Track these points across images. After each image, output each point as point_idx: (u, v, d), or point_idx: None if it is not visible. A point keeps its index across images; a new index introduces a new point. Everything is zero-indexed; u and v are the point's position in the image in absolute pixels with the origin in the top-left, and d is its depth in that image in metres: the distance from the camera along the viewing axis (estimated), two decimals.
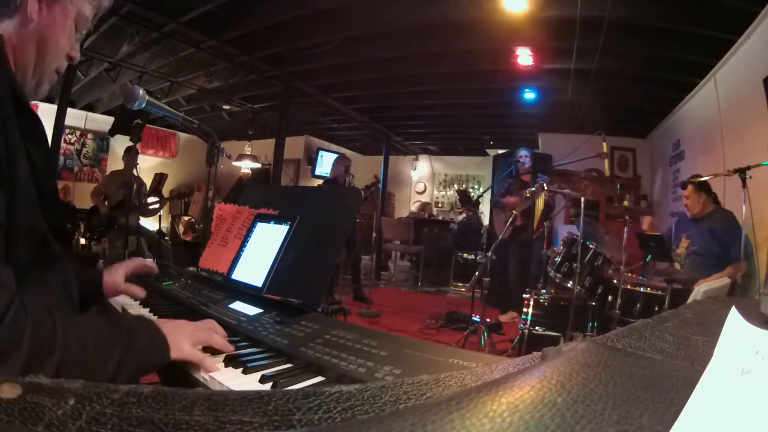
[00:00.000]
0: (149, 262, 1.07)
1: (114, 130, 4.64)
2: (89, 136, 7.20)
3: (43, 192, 0.70)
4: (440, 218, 8.52)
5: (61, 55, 0.76)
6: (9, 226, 0.61)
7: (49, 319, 0.57)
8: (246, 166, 7.35)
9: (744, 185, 2.49)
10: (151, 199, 4.34)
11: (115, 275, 1.01)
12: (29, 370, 0.51)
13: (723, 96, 3.77)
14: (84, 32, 0.81)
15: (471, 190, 9.23)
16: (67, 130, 6.49)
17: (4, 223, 0.59)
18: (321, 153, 8.53)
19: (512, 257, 4.15)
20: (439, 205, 9.78)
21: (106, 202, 4.15)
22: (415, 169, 10.05)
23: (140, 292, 1.04)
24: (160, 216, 4.77)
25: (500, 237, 2.90)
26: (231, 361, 0.72)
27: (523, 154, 4.20)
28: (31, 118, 0.72)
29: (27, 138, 0.68)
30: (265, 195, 1.39)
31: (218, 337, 0.74)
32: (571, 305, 2.55)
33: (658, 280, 2.84)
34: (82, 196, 5.33)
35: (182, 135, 8.30)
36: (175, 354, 0.68)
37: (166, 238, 5.51)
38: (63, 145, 6.38)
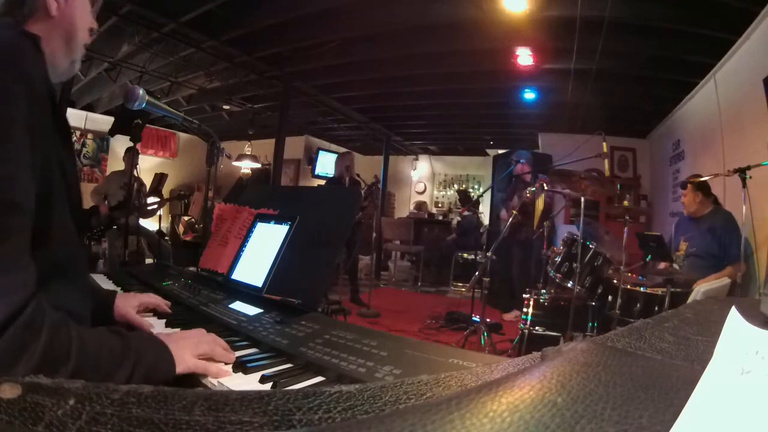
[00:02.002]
0: (164, 305, 1.04)
1: (114, 130, 4.62)
2: (89, 136, 7.19)
3: (71, 194, 0.72)
4: (440, 218, 8.52)
5: (85, 32, 0.82)
6: (45, 226, 0.63)
7: (66, 326, 0.57)
8: (246, 166, 7.34)
9: (744, 185, 2.48)
10: (150, 200, 4.33)
11: (128, 303, 0.99)
12: (42, 373, 0.51)
13: (723, 96, 3.77)
14: (99, 2, 0.86)
15: (471, 190, 9.22)
16: None
17: (32, 218, 0.59)
18: (321, 153, 8.53)
19: (515, 256, 4.16)
20: (439, 205, 9.78)
21: (107, 202, 4.15)
22: (415, 169, 10.05)
23: (148, 326, 1.03)
24: (160, 216, 4.77)
25: (501, 236, 2.91)
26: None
27: (513, 159, 4.24)
28: (61, 120, 0.74)
29: (58, 140, 0.70)
30: (265, 195, 1.39)
31: (220, 349, 0.75)
32: (571, 305, 2.55)
33: (658, 280, 2.84)
34: (83, 197, 5.33)
35: (182, 135, 8.30)
36: (180, 368, 0.69)
37: (166, 238, 5.49)
38: None
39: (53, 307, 0.58)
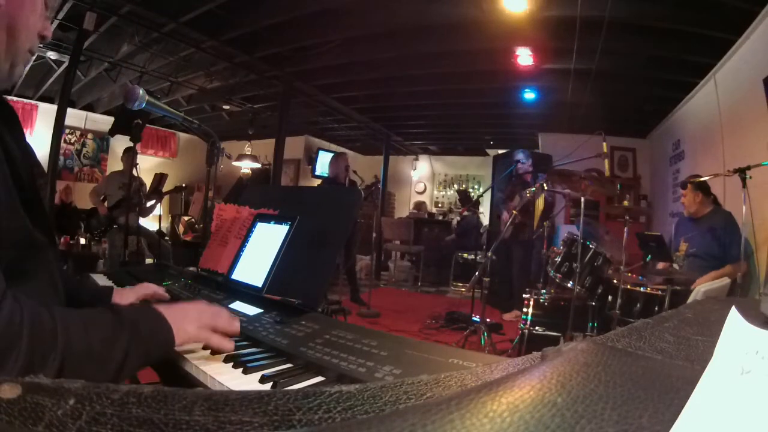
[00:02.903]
0: (161, 291, 1.03)
1: (114, 130, 4.63)
2: (89, 136, 7.20)
3: (24, 187, 0.67)
4: (440, 218, 8.52)
5: (33, 35, 0.72)
6: None
7: (47, 312, 0.55)
8: (246, 166, 7.34)
9: (744, 185, 2.48)
10: (150, 203, 4.33)
11: (125, 299, 0.98)
12: (32, 366, 0.50)
13: (723, 96, 3.77)
14: (55, 9, 0.77)
15: (471, 190, 9.23)
16: (67, 130, 6.49)
17: None
18: (321, 153, 8.53)
19: (515, 256, 4.17)
20: (439, 205, 9.78)
21: (105, 203, 4.15)
22: (415, 169, 10.05)
23: None
24: (160, 216, 4.76)
25: (501, 236, 2.91)
26: (231, 361, 0.72)
27: (515, 158, 4.25)
28: (4, 109, 0.70)
29: (2, 131, 0.65)
30: (265, 195, 1.39)
31: (223, 319, 0.73)
32: (571, 305, 2.55)
33: (658, 280, 2.84)
34: (83, 197, 5.35)
35: (182, 135, 8.30)
36: (181, 338, 0.67)
37: (166, 238, 5.50)
38: (63, 145, 6.36)
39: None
